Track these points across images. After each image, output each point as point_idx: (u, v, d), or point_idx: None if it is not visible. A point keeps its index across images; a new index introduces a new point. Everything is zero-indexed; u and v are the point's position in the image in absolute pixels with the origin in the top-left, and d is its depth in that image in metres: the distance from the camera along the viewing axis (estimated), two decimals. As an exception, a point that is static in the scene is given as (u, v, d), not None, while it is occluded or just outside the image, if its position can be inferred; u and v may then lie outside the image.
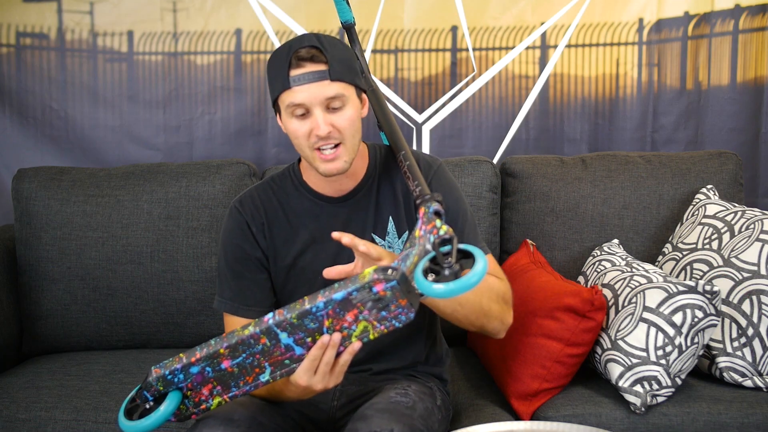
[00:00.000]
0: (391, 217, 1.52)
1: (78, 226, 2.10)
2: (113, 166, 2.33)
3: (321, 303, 1.13)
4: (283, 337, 1.17)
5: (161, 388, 1.22)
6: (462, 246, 1.14)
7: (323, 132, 1.37)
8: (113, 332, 2.12)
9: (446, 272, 1.10)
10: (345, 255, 1.50)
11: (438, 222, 1.19)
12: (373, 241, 1.51)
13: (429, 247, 1.16)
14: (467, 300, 1.37)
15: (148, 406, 1.23)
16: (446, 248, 1.14)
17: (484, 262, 1.09)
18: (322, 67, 1.36)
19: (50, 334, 2.11)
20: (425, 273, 1.12)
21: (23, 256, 2.12)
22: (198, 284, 2.09)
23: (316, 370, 1.21)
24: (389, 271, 1.11)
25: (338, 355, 1.21)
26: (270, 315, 1.17)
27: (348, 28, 1.67)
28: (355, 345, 1.20)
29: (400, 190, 1.53)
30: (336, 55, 1.38)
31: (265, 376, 1.22)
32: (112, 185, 2.14)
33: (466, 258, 1.12)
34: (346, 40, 1.69)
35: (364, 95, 1.47)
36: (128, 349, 2.13)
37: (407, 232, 1.52)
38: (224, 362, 1.20)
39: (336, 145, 1.39)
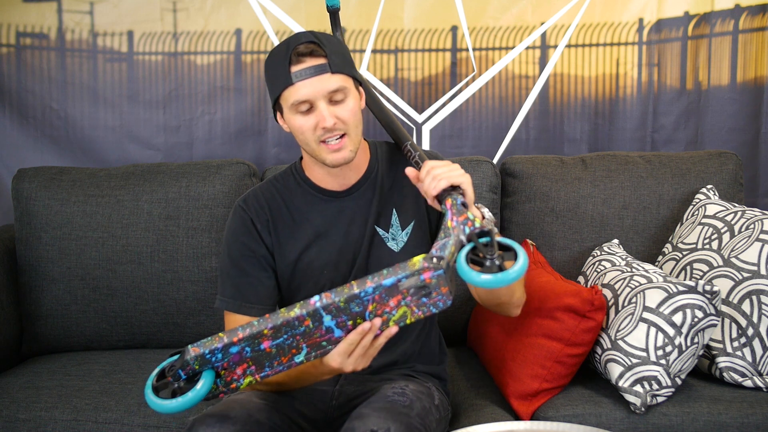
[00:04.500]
0: (394, 210, 1.53)
1: (78, 226, 2.10)
2: (113, 166, 2.34)
3: (370, 288, 1.16)
4: (327, 319, 1.20)
5: (197, 366, 1.22)
6: (500, 239, 1.19)
7: (329, 123, 1.39)
8: (113, 332, 2.12)
9: (488, 263, 1.15)
10: (350, 249, 1.52)
11: (470, 214, 1.23)
12: (376, 233, 1.52)
13: (463, 237, 1.21)
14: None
15: (177, 385, 1.23)
16: (484, 239, 1.18)
17: (525, 257, 1.14)
18: (321, 60, 1.39)
19: (50, 334, 2.11)
20: (467, 263, 1.17)
21: (23, 256, 2.12)
22: (198, 284, 2.09)
23: (351, 353, 1.24)
24: (435, 260, 1.15)
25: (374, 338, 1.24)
26: (317, 298, 1.19)
27: (333, 12, 1.69)
28: (392, 329, 1.23)
29: (403, 183, 1.54)
30: (333, 48, 1.41)
31: (300, 357, 1.23)
32: (112, 185, 2.14)
33: (505, 250, 1.18)
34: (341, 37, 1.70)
35: (360, 87, 1.49)
36: (128, 349, 2.13)
37: (413, 223, 1.53)
38: (264, 342, 1.21)
39: (341, 136, 1.42)
